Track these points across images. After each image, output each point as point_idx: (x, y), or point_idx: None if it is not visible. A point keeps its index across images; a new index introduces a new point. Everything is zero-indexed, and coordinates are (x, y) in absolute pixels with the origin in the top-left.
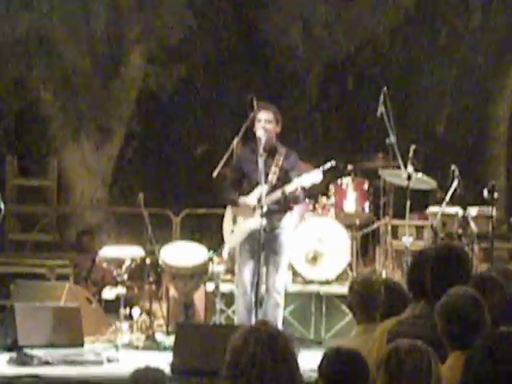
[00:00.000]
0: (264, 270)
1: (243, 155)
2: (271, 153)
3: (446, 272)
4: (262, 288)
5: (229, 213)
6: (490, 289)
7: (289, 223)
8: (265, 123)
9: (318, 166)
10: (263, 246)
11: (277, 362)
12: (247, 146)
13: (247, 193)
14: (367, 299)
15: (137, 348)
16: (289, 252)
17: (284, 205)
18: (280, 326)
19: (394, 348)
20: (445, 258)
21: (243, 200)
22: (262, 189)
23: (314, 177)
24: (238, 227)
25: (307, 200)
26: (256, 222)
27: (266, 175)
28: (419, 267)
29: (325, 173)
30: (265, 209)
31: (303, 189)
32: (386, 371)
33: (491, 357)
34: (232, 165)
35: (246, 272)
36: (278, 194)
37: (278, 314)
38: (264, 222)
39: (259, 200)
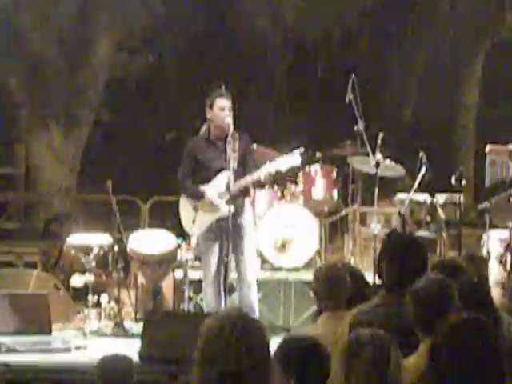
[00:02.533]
0: (232, 256)
1: (196, 144)
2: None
3: (398, 261)
4: (232, 275)
5: (185, 201)
6: (455, 275)
7: (248, 207)
8: (229, 111)
9: (286, 153)
10: (231, 232)
11: (252, 351)
12: (198, 135)
13: (208, 181)
14: (333, 286)
15: (105, 335)
16: (254, 234)
17: (245, 190)
18: (256, 308)
19: (353, 337)
20: (396, 248)
21: (209, 197)
22: (230, 175)
23: (291, 160)
24: (200, 216)
25: (275, 187)
26: (224, 209)
27: (228, 161)
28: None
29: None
30: (229, 196)
31: (279, 173)
32: (345, 359)
33: (454, 343)
34: (184, 157)
35: (213, 261)
36: (247, 179)
37: (254, 298)
38: (232, 208)
39: (228, 187)
